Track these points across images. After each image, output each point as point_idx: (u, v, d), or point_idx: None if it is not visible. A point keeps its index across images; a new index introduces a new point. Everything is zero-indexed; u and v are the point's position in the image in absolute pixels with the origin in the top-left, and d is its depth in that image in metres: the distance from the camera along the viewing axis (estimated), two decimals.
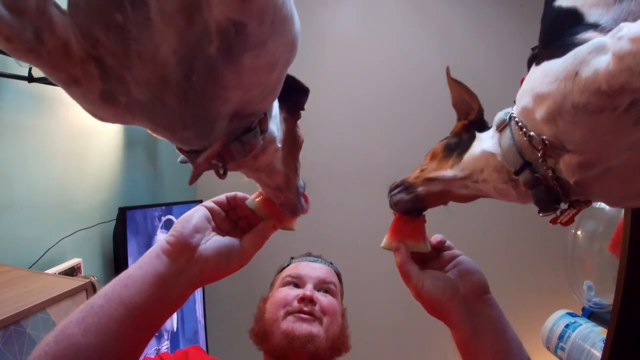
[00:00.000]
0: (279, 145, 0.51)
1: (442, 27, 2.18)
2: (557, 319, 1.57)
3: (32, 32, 0.31)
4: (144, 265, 0.50)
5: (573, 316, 1.55)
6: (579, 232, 1.57)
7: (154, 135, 0.42)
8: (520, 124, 0.46)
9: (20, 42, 0.30)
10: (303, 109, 0.55)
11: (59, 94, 1.27)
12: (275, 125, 0.49)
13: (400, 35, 2.21)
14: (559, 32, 0.44)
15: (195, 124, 0.38)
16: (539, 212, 0.49)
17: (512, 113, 0.48)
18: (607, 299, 1.45)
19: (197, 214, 0.54)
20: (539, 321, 1.64)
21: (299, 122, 0.56)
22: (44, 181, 1.25)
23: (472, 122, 0.57)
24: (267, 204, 0.57)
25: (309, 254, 1.03)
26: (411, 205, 0.60)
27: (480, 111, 0.57)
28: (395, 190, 0.61)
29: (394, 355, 2.17)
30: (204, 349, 1.97)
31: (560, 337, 1.50)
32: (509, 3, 2.09)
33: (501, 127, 0.50)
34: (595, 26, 0.42)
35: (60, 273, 1.23)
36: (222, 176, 0.45)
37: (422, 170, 0.59)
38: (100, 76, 0.34)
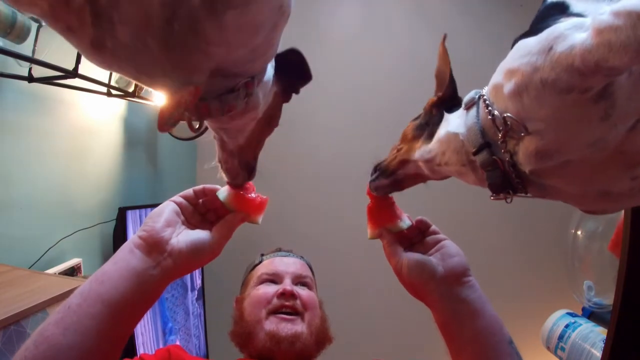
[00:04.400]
0: (260, 115, 0.51)
1: (442, 27, 2.18)
2: (557, 319, 1.57)
3: None
4: (118, 261, 0.50)
5: (573, 316, 1.55)
6: (579, 232, 1.57)
7: (138, 83, 0.42)
8: (487, 102, 0.45)
9: None
10: (297, 93, 0.55)
11: (59, 94, 1.27)
12: (263, 92, 0.49)
13: (400, 35, 2.20)
14: (543, 20, 0.43)
15: (174, 71, 0.38)
16: (491, 196, 0.48)
17: (482, 92, 0.47)
18: (607, 299, 1.45)
19: (167, 209, 0.55)
20: (539, 321, 1.65)
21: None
22: (44, 181, 1.25)
23: (442, 99, 0.56)
24: (238, 199, 0.58)
25: (280, 249, 1.03)
26: (391, 189, 0.61)
27: (450, 89, 0.56)
28: (374, 176, 0.61)
29: (380, 346, 2.17)
30: (204, 348, 1.97)
31: (560, 337, 1.50)
32: (509, 3, 2.08)
33: (469, 106, 0.49)
34: (580, 15, 0.41)
35: (60, 273, 1.23)
36: (196, 130, 0.46)
37: (397, 151, 0.59)
38: (92, 22, 0.34)
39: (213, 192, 0.59)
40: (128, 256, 0.50)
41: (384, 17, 2.22)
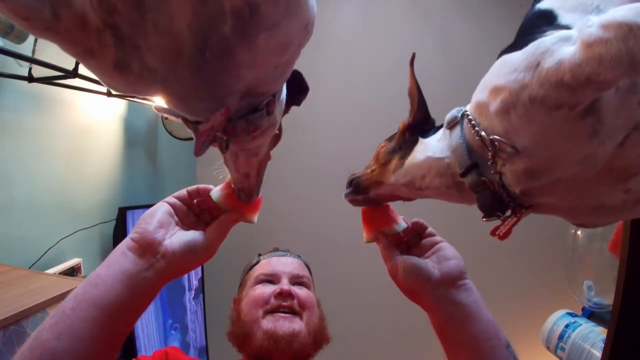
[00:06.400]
0: (277, 131, 0.51)
1: (442, 27, 2.18)
2: (557, 319, 1.57)
3: (50, 10, 0.31)
4: (111, 264, 0.50)
5: (573, 316, 1.55)
6: (579, 232, 1.57)
7: (166, 104, 0.42)
8: (473, 122, 0.43)
9: (38, 21, 0.31)
10: (298, 105, 0.55)
11: (59, 94, 1.27)
12: (279, 111, 0.49)
13: (400, 36, 2.20)
14: (529, 31, 0.42)
15: (207, 96, 0.38)
16: (483, 217, 0.46)
17: (466, 110, 0.46)
18: (607, 299, 1.45)
19: (159, 210, 0.55)
20: (539, 321, 1.65)
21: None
22: (44, 181, 1.25)
23: (413, 124, 0.55)
24: (232, 198, 0.57)
25: (277, 249, 1.02)
26: (366, 205, 0.61)
27: (420, 112, 0.55)
28: (348, 190, 0.61)
29: (378, 346, 2.17)
30: (204, 349, 1.97)
31: (560, 337, 1.50)
32: (509, 3, 2.08)
33: (452, 125, 0.48)
34: (567, 28, 0.39)
35: (60, 273, 1.23)
36: (225, 150, 0.46)
37: (372, 171, 0.58)
38: (115, 44, 0.34)
39: (207, 192, 0.58)
40: (121, 259, 0.50)
41: (384, 17, 2.22)
